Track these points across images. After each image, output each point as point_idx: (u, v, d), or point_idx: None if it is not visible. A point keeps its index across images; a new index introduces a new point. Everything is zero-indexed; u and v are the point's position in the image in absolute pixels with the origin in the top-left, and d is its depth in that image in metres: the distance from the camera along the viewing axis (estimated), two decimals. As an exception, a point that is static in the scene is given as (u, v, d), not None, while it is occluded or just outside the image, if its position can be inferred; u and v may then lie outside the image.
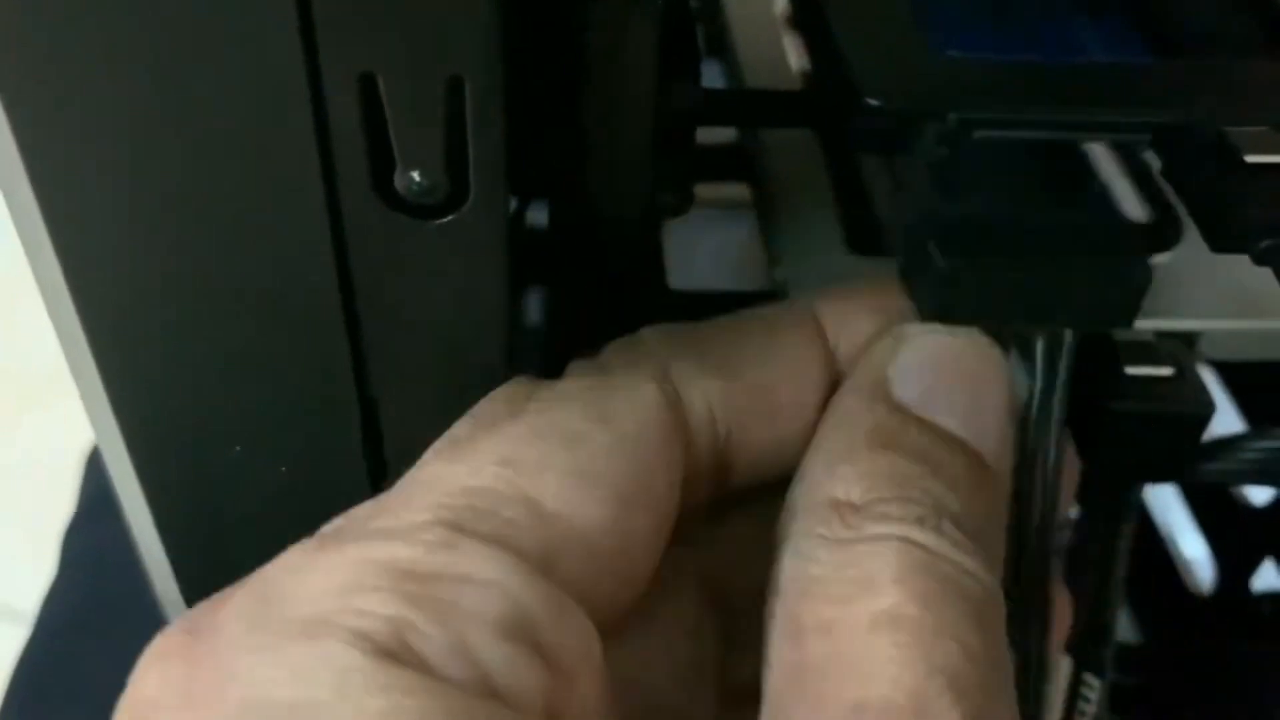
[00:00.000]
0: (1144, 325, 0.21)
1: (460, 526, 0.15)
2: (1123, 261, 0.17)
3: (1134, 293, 0.17)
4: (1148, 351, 0.19)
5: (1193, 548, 0.32)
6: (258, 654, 0.14)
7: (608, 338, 0.19)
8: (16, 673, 0.37)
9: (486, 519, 0.15)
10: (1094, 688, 0.20)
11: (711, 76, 0.29)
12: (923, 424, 0.17)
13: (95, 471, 0.43)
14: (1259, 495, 0.32)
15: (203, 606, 0.15)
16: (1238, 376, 0.29)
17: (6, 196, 0.15)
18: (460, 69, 0.13)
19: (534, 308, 0.23)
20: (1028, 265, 0.17)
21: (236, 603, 0.15)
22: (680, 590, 0.19)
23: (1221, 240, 0.16)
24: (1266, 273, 0.17)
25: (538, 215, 0.20)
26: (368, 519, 0.15)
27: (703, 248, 0.35)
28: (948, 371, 0.17)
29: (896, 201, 0.19)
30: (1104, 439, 0.20)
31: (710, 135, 0.24)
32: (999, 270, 0.17)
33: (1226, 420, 0.29)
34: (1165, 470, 0.21)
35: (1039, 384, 0.18)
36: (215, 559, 0.19)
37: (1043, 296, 0.17)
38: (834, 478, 0.16)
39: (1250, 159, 0.16)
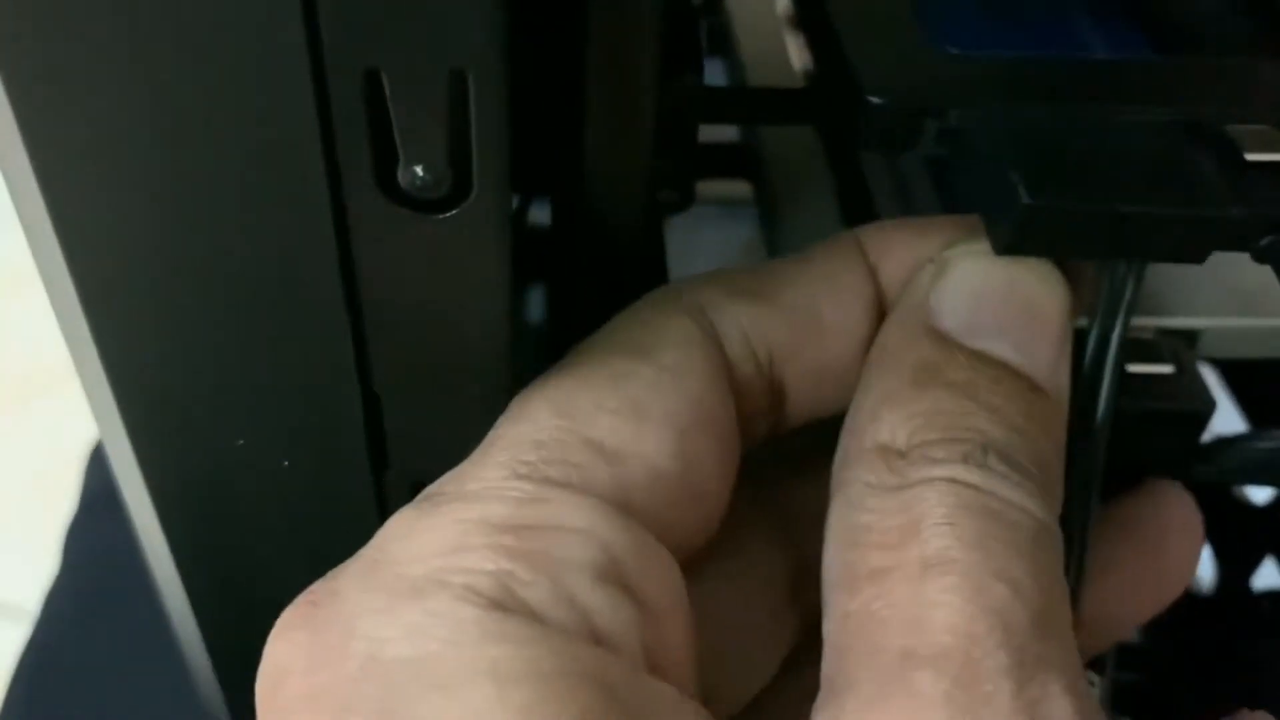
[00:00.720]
0: (1144, 323, 0.21)
1: (540, 478, 0.15)
2: (1207, 199, 0.16)
3: (1215, 231, 0.16)
4: (1148, 349, 0.20)
5: (1192, 546, 0.31)
6: (373, 614, 0.14)
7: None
8: (18, 669, 0.37)
9: (559, 467, 0.15)
10: (1095, 684, 0.20)
11: (714, 75, 0.29)
12: (969, 354, 0.16)
13: (98, 467, 0.43)
14: (1259, 494, 0.32)
15: (322, 579, 0.16)
16: (1238, 375, 0.30)
17: (11, 189, 0.15)
18: (463, 64, 0.13)
19: (535, 305, 0.23)
20: (1111, 201, 0.16)
21: (351, 570, 0.15)
22: (753, 530, 0.19)
23: (1221, 239, 0.16)
24: (1267, 270, 0.17)
25: (540, 213, 0.20)
26: (458, 482, 0.16)
27: (704, 245, 0.35)
28: (995, 295, 0.17)
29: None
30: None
31: (712, 133, 0.24)
32: (1082, 206, 0.16)
33: (1226, 418, 0.29)
34: (1166, 468, 0.21)
35: (1099, 319, 0.17)
36: (218, 553, 0.19)
37: (1122, 234, 0.16)
38: (879, 421, 0.16)
39: (1250, 157, 0.16)
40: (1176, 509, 0.21)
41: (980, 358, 0.16)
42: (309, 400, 0.17)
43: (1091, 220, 0.16)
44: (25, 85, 0.13)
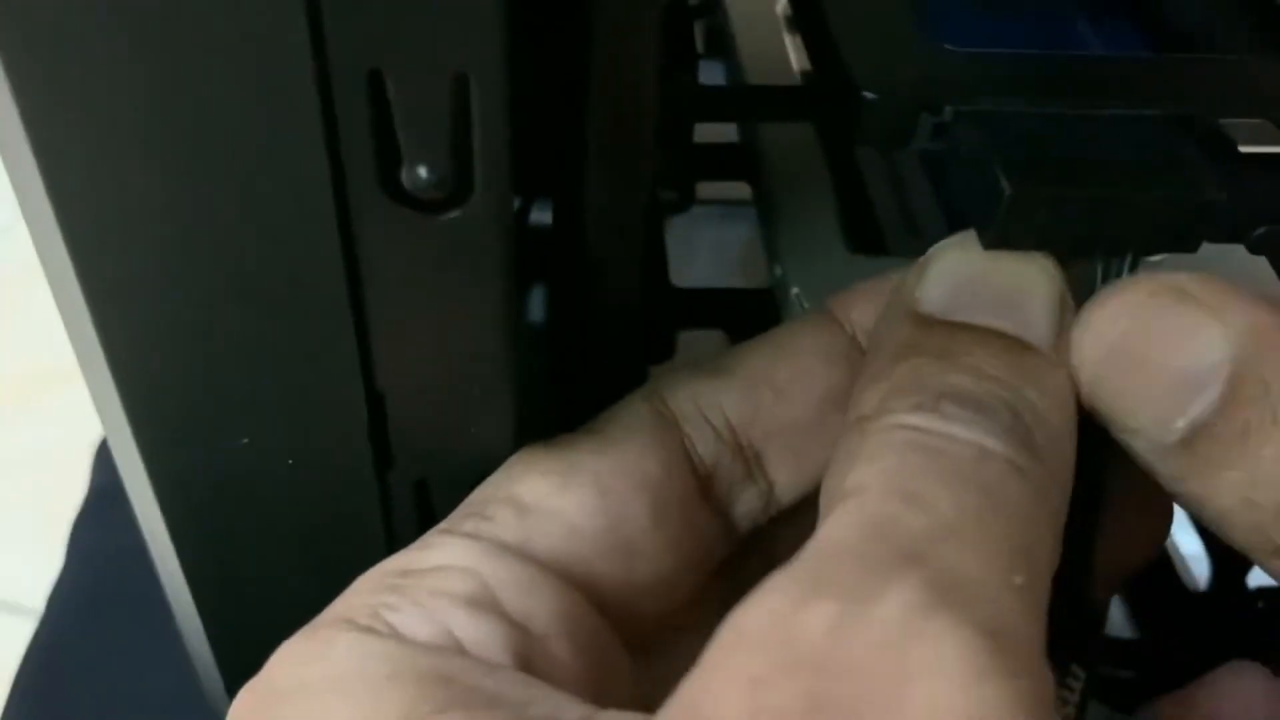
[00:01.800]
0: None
1: (446, 529, 0.17)
2: (1191, 184, 0.16)
3: (1202, 216, 0.16)
4: None
5: (1189, 544, 0.32)
6: (280, 657, 0.17)
7: (609, 334, 0.19)
8: (23, 665, 0.37)
9: (471, 520, 0.17)
10: (1079, 678, 0.20)
11: (713, 75, 0.29)
12: (949, 326, 0.16)
13: (103, 465, 0.43)
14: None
15: (327, 611, 0.17)
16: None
17: (17, 190, 0.15)
18: (466, 65, 0.14)
19: (536, 305, 0.23)
20: (1095, 186, 0.16)
21: (352, 614, 0.17)
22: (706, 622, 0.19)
23: (1216, 231, 0.16)
24: (1264, 265, 0.17)
25: (540, 214, 0.20)
26: (429, 538, 0.18)
27: (703, 244, 0.35)
28: (978, 276, 0.16)
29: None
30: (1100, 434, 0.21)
31: (711, 133, 0.24)
32: (1066, 192, 0.16)
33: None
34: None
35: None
36: (223, 551, 0.19)
37: (1108, 221, 0.16)
38: (859, 401, 0.16)
39: (1245, 150, 0.16)
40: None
41: (961, 326, 0.16)
42: (313, 399, 0.17)
43: (1078, 207, 0.16)
44: (30, 87, 0.14)
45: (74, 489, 0.44)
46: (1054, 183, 0.16)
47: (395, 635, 0.16)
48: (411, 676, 0.15)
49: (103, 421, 0.18)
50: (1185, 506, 0.16)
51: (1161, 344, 0.15)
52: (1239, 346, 0.15)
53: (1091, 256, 0.17)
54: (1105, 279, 0.17)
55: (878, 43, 0.17)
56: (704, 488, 0.18)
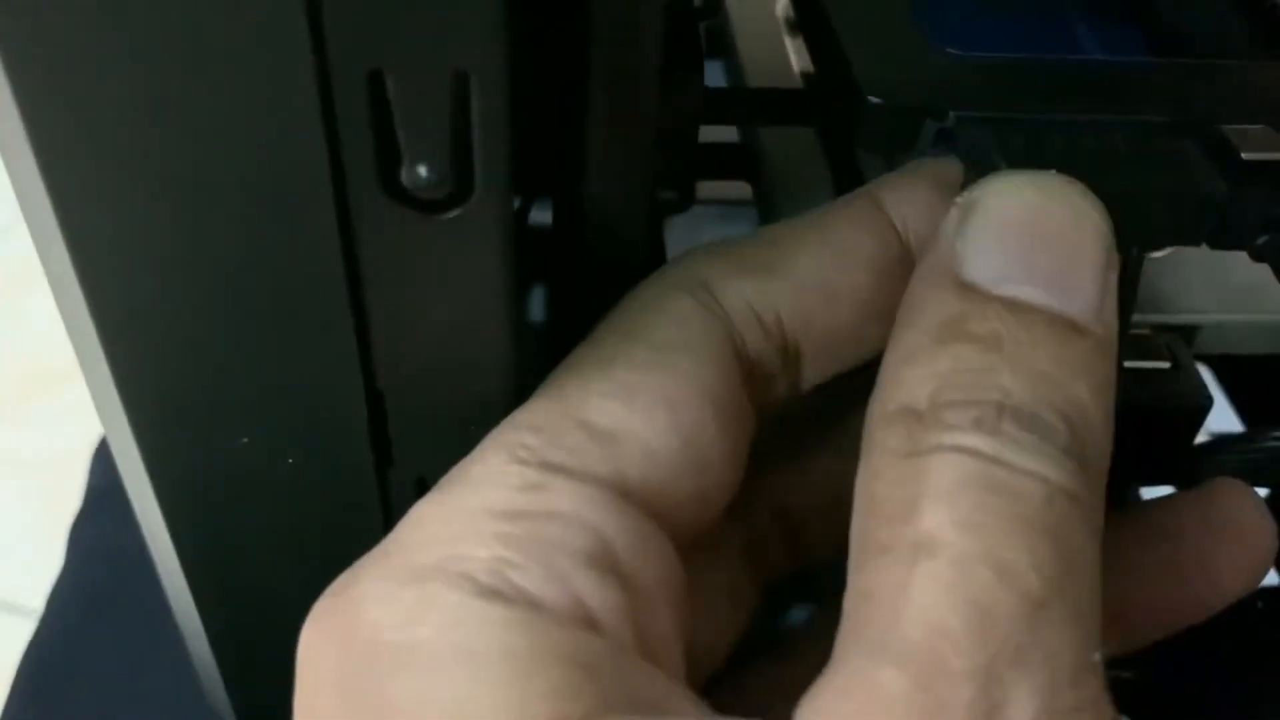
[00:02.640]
0: (1141, 319, 0.21)
1: (538, 463, 0.15)
2: (1191, 176, 0.16)
3: (1202, 209, 0.16)
4: (1144, 345, 0.20)
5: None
6: (378, 602, 0.15)
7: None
8: (23, 664, 0.37)
9: (556, 451, 0.16)
10: None
11: (714, 77, 0.29)
12: (996, 304, 0.15)
13: (103, 464, 0.43)
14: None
15: (355, 567, 0.16)
16: (1233, 372, 0.30)
17: (17, 189, 0.15)
18: (466, 64, 0.14)
19: (536, 305, 0.23)
20: (1096, 180, 0.15)
21: (369, 558, 0.16)
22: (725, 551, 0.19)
23: (1218, 238, 0.16)
24: (1265, 267, 0.17)
25: (540, 214, 0.20)
26: (464, 468, 0.16)
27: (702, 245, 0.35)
28: (1024, 233, 0.15)
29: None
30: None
31: (712, 134, 0.24)
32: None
33: (1221, 416, 0.29)
34: (1163, 465, 0.21)
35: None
36: (222, 550, 0.19)
37: (1114, 214, 0.16)
38: (901, 383, 0.15)
39: (1247, 156, 0.16)
40: (1241, 510, 0.20)
41: (1009, 305, 0.15)
42: (313, 398, 0.17)
43: None
44: (30, 87, 0.14)
45: (73, 489, 0.44)
46: (1054, 162, 0.15)
47: (528, 602, 0.14)
48: (554, 659, 0.14)
49: (102, 420, 0.18)
50: None
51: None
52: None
53: None
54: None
55: (882, 48, 0.17)
56: (746, 384, 0.17)
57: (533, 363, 0.18)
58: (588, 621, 0.15)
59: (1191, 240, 0.16)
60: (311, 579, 0.18)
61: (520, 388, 0.17)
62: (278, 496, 0.18)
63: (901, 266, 0.17)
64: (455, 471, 0.16)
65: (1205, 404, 0.19)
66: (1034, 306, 0.15)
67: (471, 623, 0.14)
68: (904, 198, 0.17)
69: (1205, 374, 0.28)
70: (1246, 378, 0.29)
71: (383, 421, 0.17)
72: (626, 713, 0.14)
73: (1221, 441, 0.20)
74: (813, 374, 0.18)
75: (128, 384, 0.17)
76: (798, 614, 0.27)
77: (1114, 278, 0.15)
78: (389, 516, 0.19)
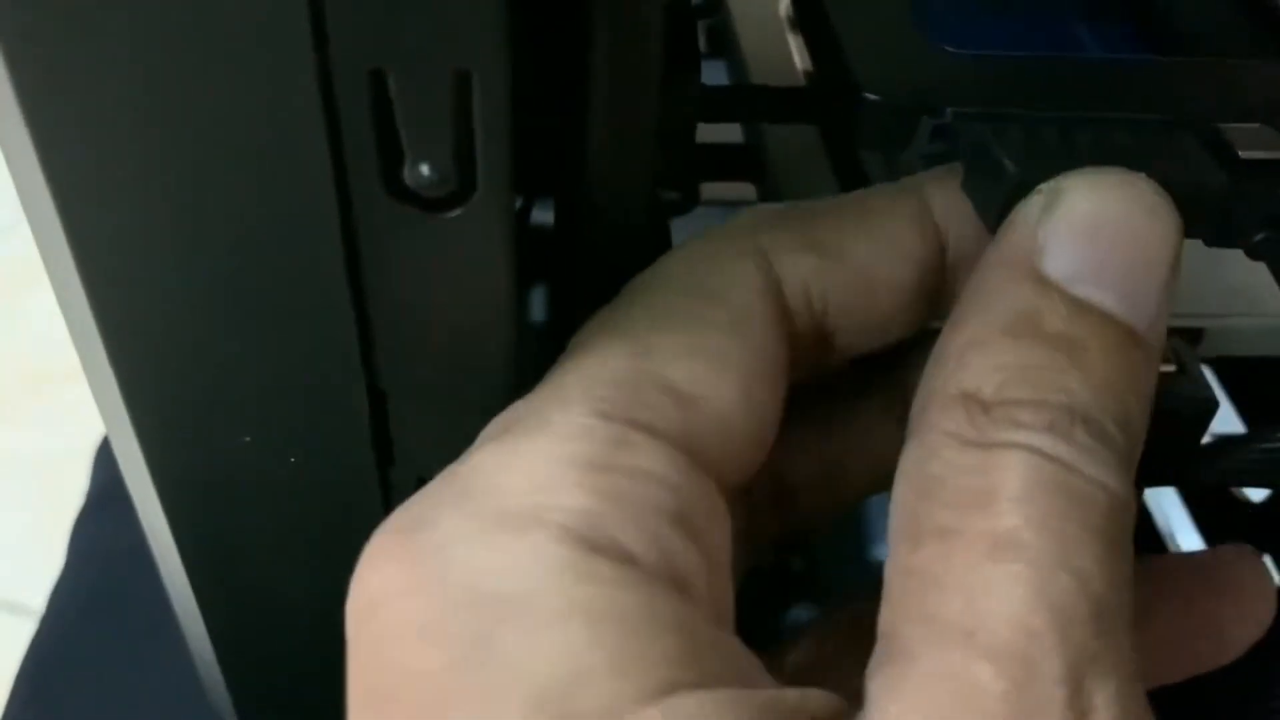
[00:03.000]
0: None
1: (622, 419, 0.15)
2: (1188, 167, 0.16)
3: (1199, 199, 0.16)
4: None
5: (1191, 546, 0.32)
6: (471, 545, 0.14)
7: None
8: (24, 664, 0.37)
9: (639, 409, 0.15)
10: None
11: (716, 76, 0.29)
12: (1070, 303, 0.15)
13: (105, 463, 0.43)
14: (1257, 493, 0.32)
15: (404, 509, 0.16)
16: (1236, 374, 0.30)
17: (19, 187, 0.15)
18: (468, 64, 0.14)
19: (538, 305, 0.23)
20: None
21: (444, 498, 0.15)
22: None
23: (1216, 236, 0.16)
24: (1265, 269, 0.17)
25: (542, 214, 0.20)
26: (538, 415, 0.16)
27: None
28: (1107, 237, 0.15)
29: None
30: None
31: (715, 134, 0.24)
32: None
33: (1223, 417, 0.29)
34: (1168, 466, 0.21)
35: None
36: (224, 549, 0.19)
37: None
38: (966, 367, 0.15)
39: (1245, 155, 0.16)
40: (1244, 573, 0.21)
41: (1083, 308, 0.15)
42: (315, 397, 0.17)
43: None
44: (33, 85, 0.14)
45: (74, 489, 0.44)
46: (1056, 166, 0.16)
47: (629, 560, 0.14)
48: (664, 624, 0.14)
49: (104, 419, 0.18)
50: None
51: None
52: None
53: None
54: None
55: (880, 45, 0.17)
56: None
57: (534, 362, 0.18)
58: (680, 584, 0.14)
59: (1192, 233, 0.16)
60: (313, 578, 0.18)
61: (521, 387, 0.17)
62: (279, 495, 0.18)
63: (937, 265, 0.18)
64: (522, 418, 0.16)
65: (1212, 406, 0.19)
66: (1106, 312, 0.15)
67: (581, 578, 0.14)
68: (948, 197, 0.18)
69: (1207, 374, 0.28)
70: (1249, 379, 0.29)
71: (384, 421, 0.17)
72: (727, 684, 0.14)
73: (1228, 442, 0.20)
74: (835, 358, 0.18)
75: (130, 383, 0.17)
76: (798, 613, 0.27)
77: (1174, 291, 0.16)
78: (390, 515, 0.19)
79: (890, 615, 0.15)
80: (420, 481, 0.18)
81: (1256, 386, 0.30)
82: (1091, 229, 0.15)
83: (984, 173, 0.16)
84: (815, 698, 0.14)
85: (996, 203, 0.16)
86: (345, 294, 0.16)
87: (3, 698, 0.38)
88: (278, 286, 0.16)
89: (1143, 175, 0.15)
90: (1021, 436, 0.14)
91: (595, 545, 0.14)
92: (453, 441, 0.18)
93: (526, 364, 0.17)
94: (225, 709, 0.23)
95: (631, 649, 0.13)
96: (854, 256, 0.17)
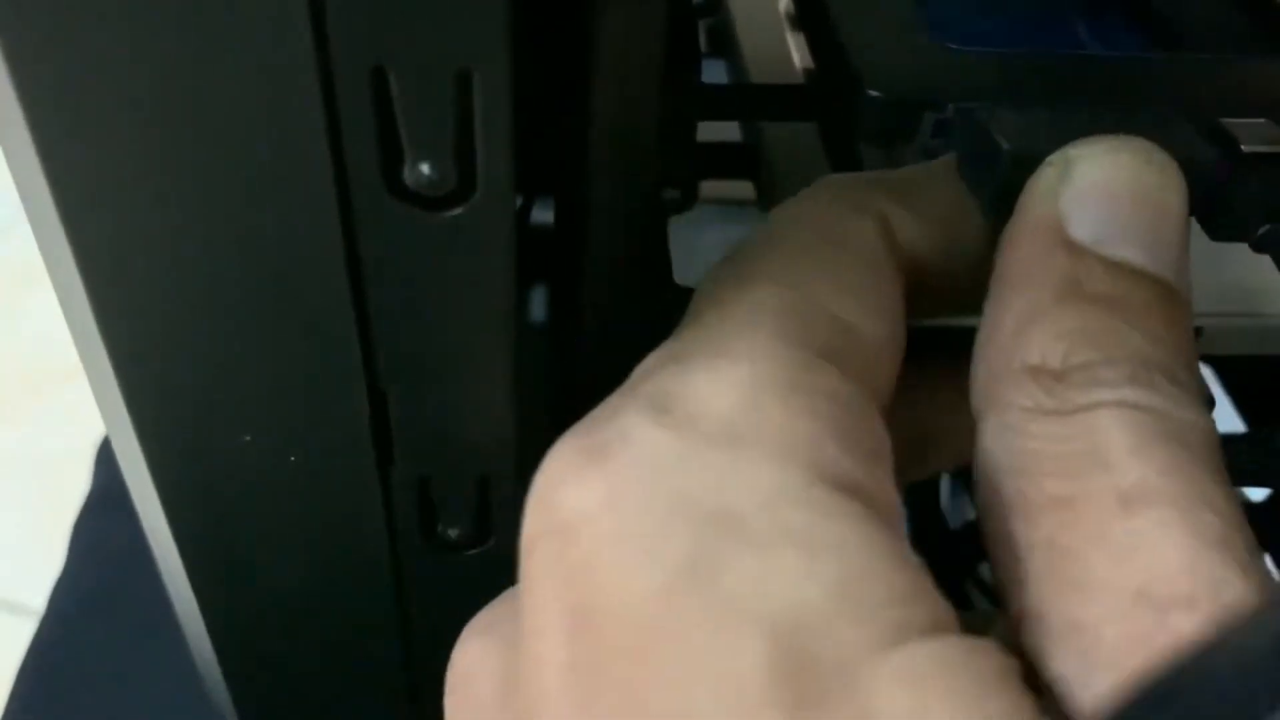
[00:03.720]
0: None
1: (805, 344, 0.15)
2: (1182, 143, 0.16)
3: (1192, 175, 0.16)
4: None
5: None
6: (686, 461, 0.14)
7: (613, 334, 0.19)
8: (24, 663, 0.37)
9: (812, 335, 0.15)
10: None
11: (716, 75, 0.29)
12: (1107, 265, 0.15)
13: (105, 464, 0.43)
14: (1257, 493, 0.32)
15: (586, 427, 0.15)
16: (1234, 372, 0.30)
17: (19, 187, 0.15)
18: (470, 63, 0.14)
19: (537, 305, 0.23)
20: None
21: (637, 414, 0.15)
22: None
23: (1220, 229, 0.16)
24: (1270, 267, 0.17)
25: (541, 213, 0.20)
26: (712, 343, 0.15)
27: (706, 244, 0.35)
28: (1126, 197, 0.16)
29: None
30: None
31: (714, 133, 0.24)
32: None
33: (1223, 416, 0.29)
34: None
35: None
36: (224, 548, 0.19)
37: None
38: (1026, 342, 0.15)
39: (1248, 149, 0.16)
40: None
41: (1118, 268, 0.15)
42: (315, 396, 0.17)
43: None
44: (34, 84, 0.14)
45: (74, 489, 0.44)
46: (1050, 142, 0.16)
47: (849, 490, 0.14)
48: (901, 560, 0.14)
49: (104, 419, 0.18)
50: None
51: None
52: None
53: None
54: None
55: (882, 41, 0.17)
56: None
57: (533, 362, 0.18)
58: (887, 515, 0.14)
59: (1196, 213, 0.16)
60: (312, 576, 0.18)
61: (521, 386, 0.17)
62: (279, 495, 0.18)
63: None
64: (704, 346, 0.16)
65: (1208, 403, 0.19)
66: (1139, 269, 0.15)
67: (805, 504, 0.14)
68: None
69: (1207, 374, 0.28)
70: (1248, 378, 0.30)
71: (384, 420, 0.17)
72: (946, 627, 0.14)
73: (1226, 442, 0.21)
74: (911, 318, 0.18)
75: (130, 382, 0.17)
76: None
77: (1189, 241, 0.16)
78: (390, 514, 0.19)
79: (1034, 596, 0.14)
80: (420, 482, 0.18)
81: (1256, 386, 0.30)
82: (1111, 191, 0.16)
83: (978, 154, 0.16)
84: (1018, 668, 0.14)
85: (992, 182, 0.16)
86: (345, 293, 0.16)
87: (3, 697, 0.38)
88: (278, 285, 0.16)
89: (1143, 140, 0.16)
90: (1108, 394, 0.14)
91: (816, 469, 0.14)
92: (452, 441, 0.18)
93: (526, 363, 0.17)
94: (225, 708, 0.23)
95: (847, 584, 0.13)
96: (934, 209, 0.17)
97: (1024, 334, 0.15)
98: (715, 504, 0.14)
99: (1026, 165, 0.16)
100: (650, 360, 0.16)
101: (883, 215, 0.17)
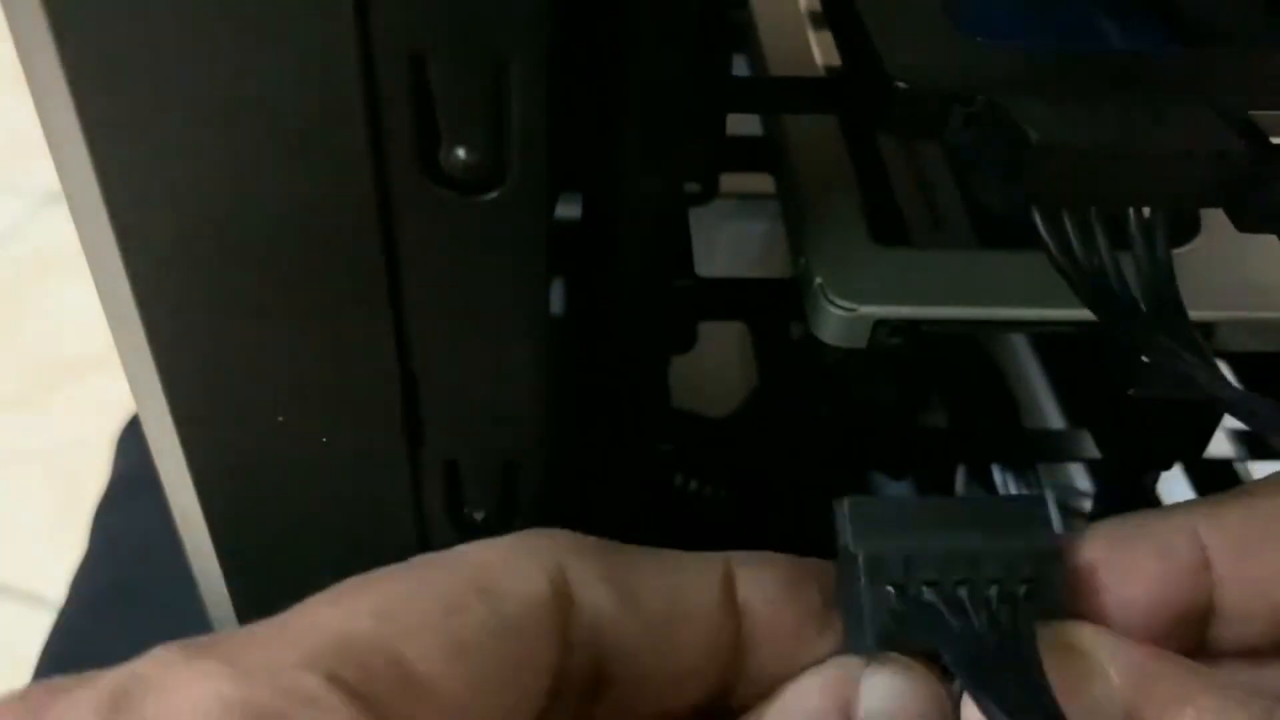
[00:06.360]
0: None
1: (327, 675, 0.14)
2: (1207, 135, 0.16)
3: (1218, 166, 0.16)
4: None
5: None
6: None
7: (634, 325, 0.19)
8: (45, 651, 0.38)
9: (354, 670, 0.15)
10: None
11: (737, 70, 0.29)
12: None
13: (127, 451, 0.43)
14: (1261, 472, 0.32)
15: (48, 687, 0.15)
16: (1250, 369, 0.30)
17: (60, 167, 0.15)
18: (507, 49, 0.14)
19: (557, 298, 0.24)
20: (1115, 137, 0.16)
21: (91, 702, 0.14)
22: None
23: (1248, 221, 0.16)
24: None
25: (562, 209, 0.20)
26: (240, 645, 0.15)
27: (723, 237, 0.35)
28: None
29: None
30: (1122, 427, 0.21)
31: (733, 126, 0.24)
32: (1087, 141, 0.16)
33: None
34: (1181, 457, 0.22)
35: (1144, 261, 0.17)
36: (255, 529, 0.19)
37: (1128, 171, 0.16)
38: None
39: (1276, 141, 0.16)
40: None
41: None
42: (348, 379, 0.17)
43: (1099, 156, 0.16)
44: (82, 67, 0.14)
45: (91, 481, 0.44)
46: (1078, 134, 0.16)
47: None
48: None
49: (137, 401, 0.18)
50: None
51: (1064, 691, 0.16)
52: (1127, 684, 0.16)
53: (1118, 208, 0.17)
54: (1138, 237, 0.17)
55: (910, 35, 0.18)
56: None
57: (560, 349, 0.18)
58: None
59: (1214, 201, 0.16)
60: (341, 557, 0.18)
61: (550, 371, 0.18)
62: (311, 475, 0.18)
63: (732, 637, 0.18)
64: (234, 641, 0.15)
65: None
66: None
67: None
68: (756, 575, 0.18)
69: (1224, 370, 0.28)
70: (1264, 374, 0.30)
71: (415, 402, 0.18)
72: None
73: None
74: (600, 715, 0.18)
75: (166, 364, 0.17)
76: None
77: None
78: (418, 496, 0.19)
79: None
80: (449, 464, 0.19)
81: (1270, 381, 0.30)
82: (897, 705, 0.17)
83: (1006, 146, 0.16)
84: None
85: (1020, 173, 0.16)
86: (380, 275, 0.16)
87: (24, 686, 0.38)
88: (313, 266, 0.16)
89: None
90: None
91: None
92: (481, 424, 0.18)
93: (553, 349, 0.18)
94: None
95: None
96: (649, 601, 0.17)
97: None
98: None
99: (1054, 156, 0.16)
100: (176, 644, 0.15)
101: (562, 575, 0.17)
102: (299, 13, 0.14)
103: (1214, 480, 0.32)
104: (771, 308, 0.25)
